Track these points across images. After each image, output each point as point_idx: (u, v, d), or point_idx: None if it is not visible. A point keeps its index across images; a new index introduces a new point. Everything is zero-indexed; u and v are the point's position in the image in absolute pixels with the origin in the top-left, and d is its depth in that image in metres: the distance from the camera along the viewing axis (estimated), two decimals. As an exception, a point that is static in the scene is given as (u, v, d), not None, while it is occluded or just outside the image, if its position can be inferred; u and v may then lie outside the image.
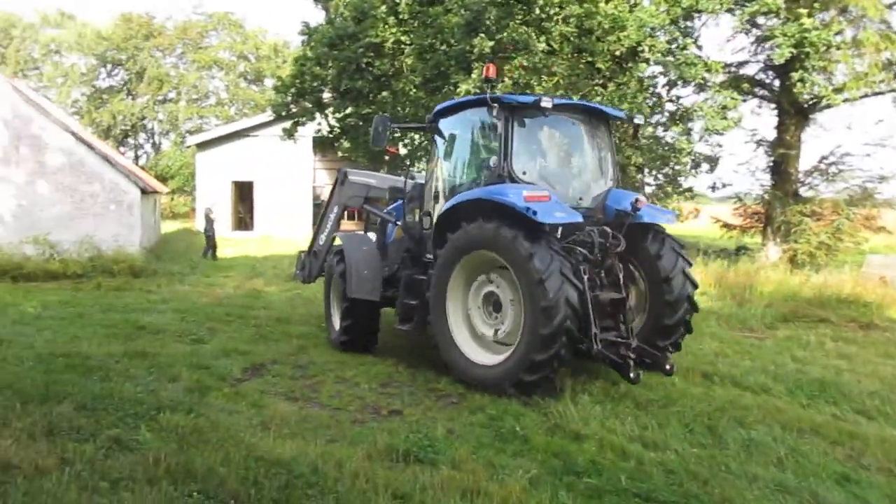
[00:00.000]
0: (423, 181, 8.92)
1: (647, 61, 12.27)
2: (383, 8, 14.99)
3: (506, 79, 12.53)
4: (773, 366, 8.68)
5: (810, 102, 16.03)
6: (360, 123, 16.08)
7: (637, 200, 7.51)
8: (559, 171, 8.10)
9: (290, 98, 17.87)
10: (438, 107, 8.49)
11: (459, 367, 7.36)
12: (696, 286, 7.91)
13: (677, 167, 15.52)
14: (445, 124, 8.33)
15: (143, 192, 17.49)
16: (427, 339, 8.21)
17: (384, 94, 15.27)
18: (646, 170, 16.22)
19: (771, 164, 16.95)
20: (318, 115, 17.93)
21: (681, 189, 16.47)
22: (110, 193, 16.82)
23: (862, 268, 14.43)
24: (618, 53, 12.30)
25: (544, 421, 6.26)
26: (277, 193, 31.28)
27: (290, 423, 5.95)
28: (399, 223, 9.07)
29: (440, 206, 8.01)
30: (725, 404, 6.91)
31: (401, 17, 14.84)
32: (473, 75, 12.55)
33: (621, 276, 7.32)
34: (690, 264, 7.90)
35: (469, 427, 6.11)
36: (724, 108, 12.46)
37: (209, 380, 7.27)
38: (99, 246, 16.10)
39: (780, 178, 16.45)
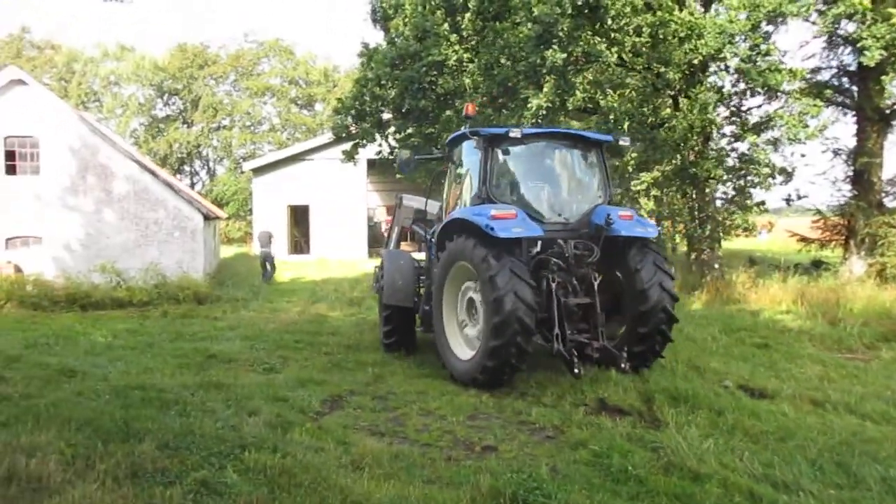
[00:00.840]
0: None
1: (727, 69, 11.73)
2: (446, 25, 14.74)
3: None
4: (888, 391, 7.99)
5: (894, 108, 15.19)
6: (423, 144, 15.81)
7: (609, 217, 8.26)
8: (539, 191, 8.95)
9: (350, 120, 17.73)
10: (449, 137, 9.80)
11: (450, 363, 8.47)
12: (675, 299, 8.48)
13: (749, 178, 14.80)
14: (453, 154, 9.69)
15: (206, 217, 17.52)
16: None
17: (448, 113, 14.98)
18: (717, 183, 15.55)
19: (851, 174, 16.09)
20: (378, 136, 17.73)
21: (751, 202, 15.72)
22: (174, 220, 16.89)
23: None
24: (695, 62, 11.75)
25: (655, 458, 5.75)
26: (332, 216, 31.31)
27: (382, 462, 5.56)
28: (432, 240, 9.75)
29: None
30: (849, 437, 6.29)
31: (464, 33, 14.57)
32: (546, 89, 12.15)
33: (596, 283, 8.14)
34: (672, 278, 8.58)
35: (574, 465, 5.64)
36: (804, 115, 11.80)
37: (289, 413, 6.95)
38: (164, 273, 16.12)
39: (863, 189, 15.57)
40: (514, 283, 7.51)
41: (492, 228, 7.64)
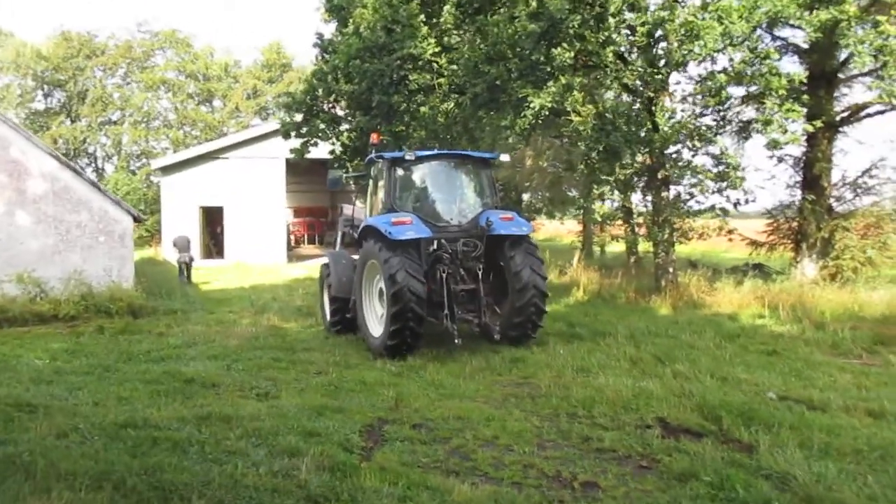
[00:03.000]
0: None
1: (724, 71, 11.53)
2: (422, 17, 13.82)
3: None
4: (932, 398, 7.84)
5: (843, 115, 15.64)
6: (392, 141, 14.77)
7: (488, 219, 10.39)
8: (433, 201, 11.02)
9: (301, 116, 16.43)
10: (367, 159, 12.03)
11: (368, 341, 10.49)
12: (544, 278, 10.53)
13: (706, 181, 14.77)
14: (370, 172, 11.86)
15: (136, 220, 15.76)
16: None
17: (423, 109, 14.04)
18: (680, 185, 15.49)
19: (800, 178, 16.45)
20: (331, 133, 16.51)
21: (704, 206, 15.77)
22: (99, 223, 15.04)
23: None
24: (694, 64, 11.54)
25: (779, 488, 5.20)
26: (249, 218, 29.47)
27: (492, 512, 4.73)
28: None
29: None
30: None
31: (443, 27, 13.72)
32: (553, 88, 11.52)
33: (480, 273, 10.23)
34: (541, 262, 10.64)
35: (698, 502, 5.01)
36: (785, 119, 11.80)
37: (333, 451, 5.94)
38: (89, 282, 14.30)
39: (814, 193, 15.93)
40: (405, 262, 9.54)
41: (390, 233, 9.69)
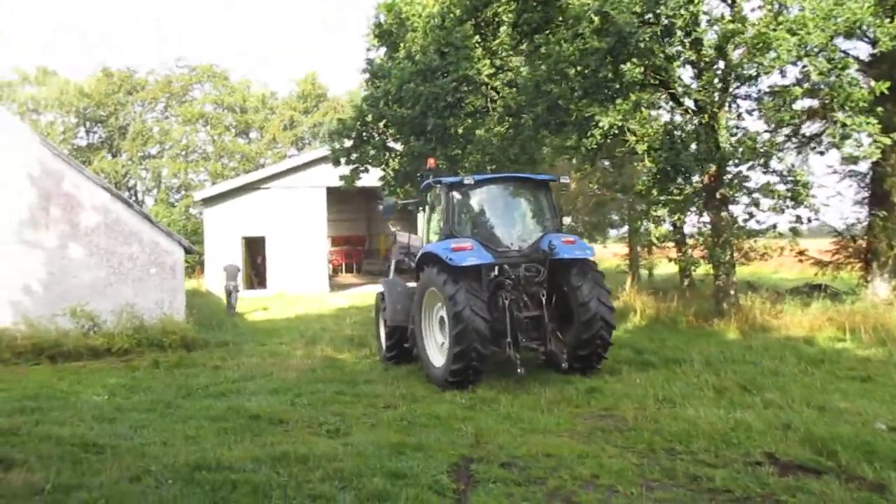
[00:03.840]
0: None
1: (799, 84, 11.04)
2: (476, 38, 13.58)
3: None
4: None
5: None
6: (447, 165, 14.48)
7: (551, 243, 10.02)
8: (494, 225, 10.75)
9: (351, 142, 16.23)
10: (423, 184, 11.63)
11: (427, 369, 10.21)
12: (611, 309, 10.14)
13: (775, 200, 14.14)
14: (427, 197, 11.66)
15: (187, 251, 15.63)
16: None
17: (479, 132, 13.73)
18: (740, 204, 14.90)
19: (868, 194, 15.77)
20: (382, 159, 16.27)
21: (765, 226, 15.14)
22: (150, 255, 14.93)
23: None
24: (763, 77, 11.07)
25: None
26: (291, 248, 29.40)
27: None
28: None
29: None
30: None
31: (498, 48, 13.43)
32: (625, 106, 11.14)
33: (543, 299, 9.94)
34: (608, 292, 10.23)
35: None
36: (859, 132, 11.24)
37: (426, 495, 5.54)
38: (141, 315, 14.14)
39: (881, 209, 15.21)
40: (469, 299, 9.25)
41: (451, 259, 9.40)
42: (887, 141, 11.41)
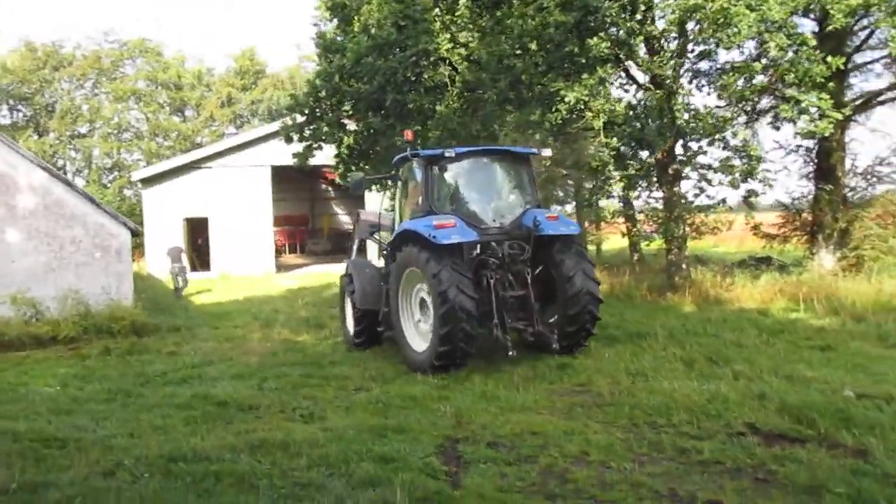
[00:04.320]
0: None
1: (757, 59, 11.17)
2: (436, 11, 13.23)
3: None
4: None
5: (855, 103, 15.40)
6: (403, 142, 14.14)
7: (535, 219, 9.55)
8: (475, 201, 10.20)
9: (305, 118, 15.74)
10: (395, 158, 11.00)
11: (408, 355, 9.66)
12: (597, 283, 9.79)
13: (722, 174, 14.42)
14: (400, 173, 10.90)
15: (134, 234, 14.97)
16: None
17: (440, 108, 13.44)
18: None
19: (813, 169, 16.22)
20: (337, 136, 15.83)
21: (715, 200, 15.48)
22: (95, 238, 14.22)
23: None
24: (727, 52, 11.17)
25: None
26: (234, 228, 28.60)
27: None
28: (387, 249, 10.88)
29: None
30: None
31: (459, 21, 13.14)
32: (592, 81, 11.01)
33: (529, 277, 9.45)
34: (593, 265, 9.98)
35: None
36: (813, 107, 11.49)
37: (420, 479, 5.38)
38: (86, 301, 13.49)
39: (826, 183, 15.68)
40: (455, 277, 8.74)
41: (434, 237, 8.84)
42: (839, 116, 11.71)
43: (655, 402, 7.29)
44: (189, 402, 8.15)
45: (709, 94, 14.39)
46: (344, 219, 48.86)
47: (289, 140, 16.50)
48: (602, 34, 11.03)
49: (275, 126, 30.86)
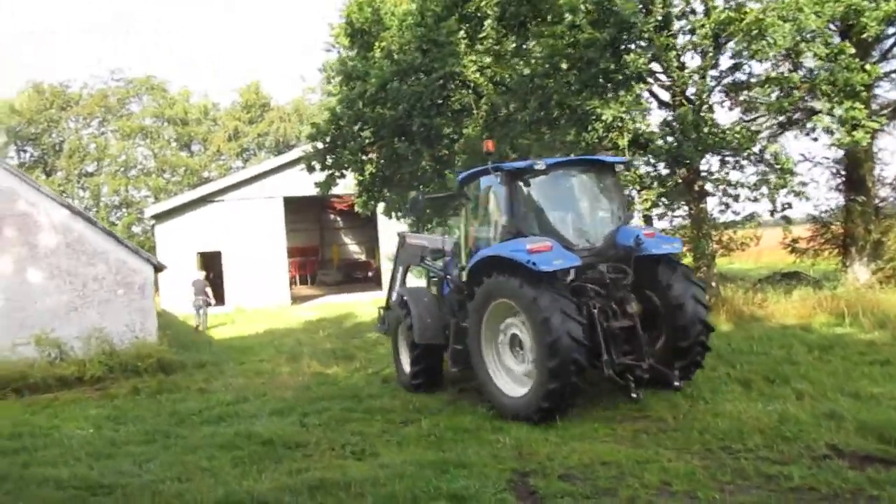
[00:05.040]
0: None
1: (796, 68, 10.99)
2: (462, 33, 13.09)
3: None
4: None
5: (885, 112, 15.18)
6: (433, 167, 13.95)
7: (637, 237, 8.36)
8: (566, 219, 8.95)
9: (326, 147, 15.55)
10: (461, 175, 9.79)
11: (498, 401, 8.27)
12: (707, 308, 8.72)
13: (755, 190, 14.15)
14: (468, 191, 9.52)
15: (157, 269, 14.74)
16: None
17: (467, 130, 13.23)
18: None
19: (842, 180, 15.97)
20: (359, 163, 15.62)
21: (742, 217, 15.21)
22: (117, 275, 13.98)
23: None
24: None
25: None
26: (248, 261, 28.39)
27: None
28: (449, 277, 9.93)
29: (469, 262, 8.93)
30: None
31: (484, 42, 12.96)
32: (628, 98, 10.80)
33: (634, 305, 8.21)
34: (703, 289, 8.78)
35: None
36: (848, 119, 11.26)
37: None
38: (110, 339, 13.22)
39: (857, 194, 15.42)
40: (558, 301, 7.53)
41: (534, 263, 7.60)
42: (875, 126, 11.49)
43: (725, 426, 6.98)
44: (233, 442, 7.84)
45: (731, 108, 13.97)
46: (353, 248, 48.79)
47: (311, 169, 16.30)
48: (640, 50, 10.85)
49: (286, 157, 30.95)
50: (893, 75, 15.49)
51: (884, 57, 14.10)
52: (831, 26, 12.66)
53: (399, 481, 6.01)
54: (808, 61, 10.85)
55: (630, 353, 8.14)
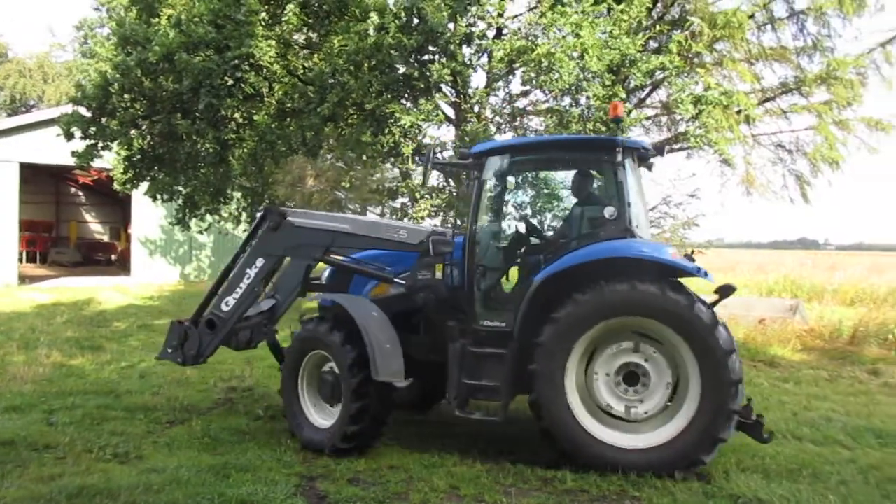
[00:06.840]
0: (441, 232, 7.31)
1: (576, 104, 11.89)
2: (263, 15, 12.21)
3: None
4: None
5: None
6: (216, 150, 12.87)
7: (693, 252, 7.39)
8: (640, 218, 6.92)
9: (92, 115, 13.75)
10: (487, 145, 7.32)
11: (577, 444, 6.13)
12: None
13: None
14: (501, 165, 6.94)
15: None
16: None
17: (258, 117, 12.37)
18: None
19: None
20: (125, 134, 14.01)
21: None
22: None
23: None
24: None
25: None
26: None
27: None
28: (400, 280, 7.23)
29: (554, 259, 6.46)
30: None
31: (284, 27, 12.24)
32: (429, 106, 10.75)
33: None
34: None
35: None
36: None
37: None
38: None
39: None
40: (729, 341, 5.99)
41: (705, 274, 6.11)
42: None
43: (500, 431, 7.33)
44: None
45: (505, 132, 14.81)
46: (95, 227, 44.48)
47: (69, 136, 14.38)
48: (444, 61, 11.11)
49: (26, 118, 27.38)
50: (645, 121, 17.46)
51: (640, 104, 15.84)
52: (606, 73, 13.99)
53: (177, 487, 5.56)
54: (584, 99, 11.88)
55: None
